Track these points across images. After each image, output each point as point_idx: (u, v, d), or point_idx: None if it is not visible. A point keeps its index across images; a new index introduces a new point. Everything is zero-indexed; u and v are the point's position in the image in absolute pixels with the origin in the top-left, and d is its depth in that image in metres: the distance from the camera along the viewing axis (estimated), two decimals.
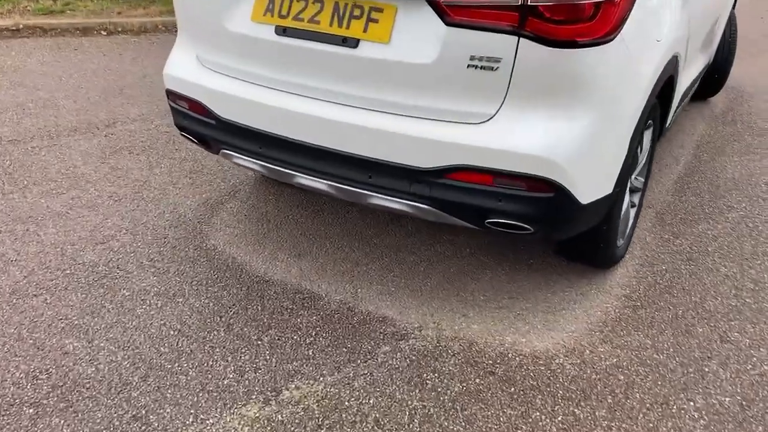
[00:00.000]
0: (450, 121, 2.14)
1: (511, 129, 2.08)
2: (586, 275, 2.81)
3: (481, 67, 2.02)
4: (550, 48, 1.96)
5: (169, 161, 3.86)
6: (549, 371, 2.28)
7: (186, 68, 2.66)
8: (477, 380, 2.24)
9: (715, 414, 2.10)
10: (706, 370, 2.29)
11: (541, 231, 2.22)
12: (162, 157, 3.90)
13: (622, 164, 2.34)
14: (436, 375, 2.26)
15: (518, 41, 1.96)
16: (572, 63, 1.99)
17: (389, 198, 2.31)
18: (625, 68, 2.16)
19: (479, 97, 2.08)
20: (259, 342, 2.41)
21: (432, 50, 2.05)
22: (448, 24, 2.00)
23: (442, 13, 2.00)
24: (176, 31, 2.79)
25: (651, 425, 2.06)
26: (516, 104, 2.06)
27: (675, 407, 2.12)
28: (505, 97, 2.06)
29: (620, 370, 2.29)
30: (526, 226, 2.19)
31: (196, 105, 2.64)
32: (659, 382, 2.23)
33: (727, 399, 2.17)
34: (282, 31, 2.29)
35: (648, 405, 2.13)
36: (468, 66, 2.03)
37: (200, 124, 2.67)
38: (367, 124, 2.22)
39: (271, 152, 2.48)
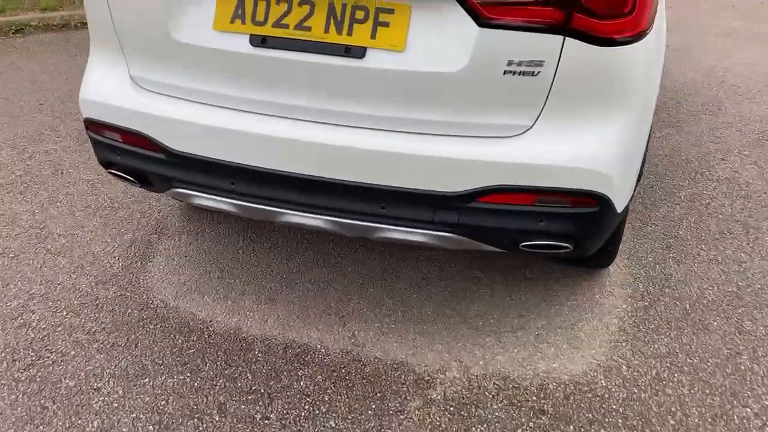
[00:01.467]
0: (481, 137, 1.84)
1: (553, 140, 1.82)
2: (584, 278, 2.66)
3: (521, 73, 1.73)
4: (596, 47, 1.72)
5: (65, 198, 3.20)
6: (598, 398, 2.09)
7: (116, 92, 2.12)
8: (530, 424, 1.99)
9: None
10: (742, 368, 2.21)
11: (579, 248, 2.00)
12: (54, 194, 3.23)
13: (641, 165, 2.18)
14: (485, 426, 1.98)
15: (564, 41, 1.70)
16: (615, 62, 1.77)
17: (407, 230, 1.97)
18: (651, 67, 1.98)
19: (515, 106, 1.80)
20: (267, 421, 1.99)
21: (460, 56, 1.73)
22: (482, 25, 1.69)
23: (474, 12, 1.68)
24: (56, 31, 2.21)
25: None
26: (556, 112, 1.81)
27: (736, 418, 2.02)
28: (544, 105, 1.80)
29: (664, 383, 2.15)
30: (565, 245, 1.96)
31: (134, 137, 2.11)
32: (707, 391, 2.12)
33: None
34: (260, 41, 1.85)
35: (710, 420, 2.01)
36: (505, 72, 1.73)
37: (141, 159, 2.15)
38: (379, 147, 1.86)
39: (248, 188, 2.04)
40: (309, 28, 1.81)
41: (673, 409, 2.05)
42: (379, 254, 2.77)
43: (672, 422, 2.00)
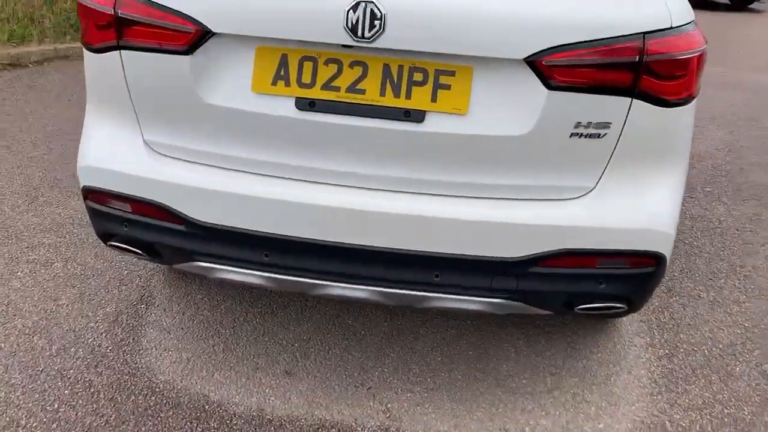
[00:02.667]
0: (543, 200, 1.77)
1: (614, 201, 1.78)
2: (600, 328, 2.64)
3: (587, 135, 1.69)
4: (659, 107, 1.70)
5: (27, 267, 2.88)
6: None
7: (126, 158, 1.91)
8: None
9: None
10: None
11: (632, 307, 1.95)
12: (13, 263, 2.90)
13: None
14: None
15: (631, 103, 1.66)
16: (673, 121, 1.76)
17: (461, 298, 1.87)
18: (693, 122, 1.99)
19: (579, 168, 1.75)
20: None
21: (527, 119, 1.66)
22: (551, 87, 1.63)
23: (544, 74, 1.62)
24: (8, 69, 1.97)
25: None
26: (617, 172, 1.77)
27: None
28: (606, 167, 1.76)
29: None
30: (621, 306, 1.91)
31: (148, 207, 1.91)
32: None
33: None
34: (308, 104, 1.71)
35: None
36: (571, 135, 1.68)
37: (154, 231, 1.94)
38: (436, 214, 1.76)
39: (284, 260, 1.87)
40: (363, 91, 1.69)
41: None
42: (389, 313, 2.64)
43: None
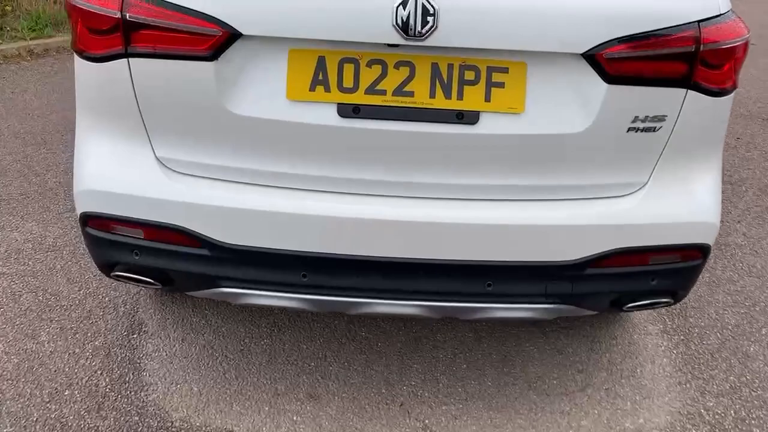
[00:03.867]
0: (596, 198, 1.70)
1: (667, 195, 1.74)
2: (614, 319, 2.62)
3: (643, 129, 1.63)
4: (710, 97, 1.66)
5: None
6: None
7: (137, 178, 1.71)
8: None
9: None
10: None
11: (677, 300, 1.93)
12: None
13: None
14: None
15: (686, 94, 1.62)
16: (720, 111, 1.73)
17: (513, 306, 1.78)
18: None
19: (633, 164, 1.69)
20: None
21: (585, 115, 1.59)
22: (610, 81, 1.55)
23: (603, 68, 1.54)
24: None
25: None
26: (668, 165, 1.73)
27: None
28: (658, 160, 1.70)
29: (745, 422, 2.14)
30: (668, 300, 1.88)
31: (165, 232, 1.71)
32: None
33: None
34: (352, 110, 1.57)
35: None
36: (628, 130, 1.62)
37: (172, 258, 1.75)
38: (490, 220, 1.66)
39: (326, 280, 1.73)
40: (411, 94, 1.56)
41: None
42: (403, 322, 2.52)
43: None
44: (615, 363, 2.39)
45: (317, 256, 1.68)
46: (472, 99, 1.57)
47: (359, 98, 1.57)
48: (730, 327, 2.60)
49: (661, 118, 1.63)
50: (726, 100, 1.70)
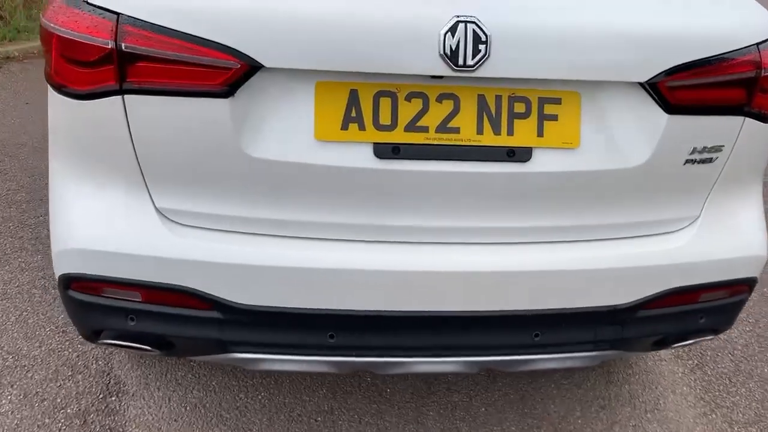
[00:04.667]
0: (648, 236, 1.57)
1: (719, 229, 1.63)
2: None
3: (700, 161, 1.51)
4: (764, 124, 1.55)
5: None
6: None
7: (133, 233, 1.46)
8: None
9: None
10: None
11: (719, 334, 1.82)
12: None
13: None
14: None
15: (743, 122, 1.50)
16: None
17: (560, 356, 1.62)
18: None
19: (686, 197, 1.57)
20: None
21: (643, 148, 1.45)
22: (671, 111, 1.42)
23: (665, 97, 1.40)
24: None
25: None
26: (718, 197, 1.62)
27: None
28: (710, 193, 1.59)
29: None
30: (711, 336, 1.77)
31: (168, 294, 1.47)
32: None
33: None
34: (390, 151, 1.37)
35: None
36: (686, 162, 1.49)
37: (175, 322, 1.51)
38: (542, 266, 1.51)
39: (357, 340, 1.53)
40: (456, 130, 1.38)
41: None
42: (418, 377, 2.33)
43: None
44: (636, 395, 2.28)
45: (348, 314, 1.47)
46: (523, 134, 1.40)
47: (399, 136, 1.37)
48: (739, 348, 2.54)
49: (718, 149, 1.51)
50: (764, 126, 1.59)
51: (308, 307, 1.47)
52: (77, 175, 1.49)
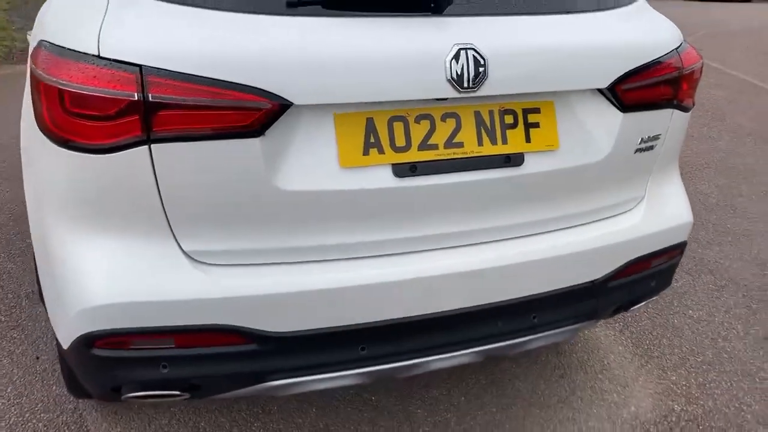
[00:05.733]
0: (611, 217, 1.85)
1: (659, 204, 1.95)
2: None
3: (645, 149, 1.81)
4: (684, 113, 1.90)
5: None
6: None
7: (161, 281, 1.48)
8: None
9: None
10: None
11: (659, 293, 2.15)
12: None
13: None
14: None
15: (672, 113, 1.83)
16: (686, 124, 1.96)
17: (552, 333, 1.86)
18: None
19: (635, 181, 1.87)
20: None
21: (605, 143, 1.72)
22: (625, 110, 1.70)
23: (621, 99, 1.68)
24: None
25: None
26: (655, 178, 1.94)
27: None
28: (650, 175, 1.90)
29: (705, 386, 2.45)
30: (654, 297, 2.10)
31: (203, 335, 1.51)
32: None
33: None
34: (408, 170, 1.52)
35: None
36: (636, 151, 1.79)
37: (208, 362, 1.55)
38: (536, 255, 1.72)
39: (384, 348, 1.65)
40: (461, 144, 1.56)
41: None
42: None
43: None
44: (584, 361, 2.57)
45: (379, 325, 1.59)
46: (515, 142, 1.60)
47: (414, 156, 1.52)
48: (650, 306, 2.93)
49: (657, 137, 1.81)
50: (689, 115, 1.93)
51: (342, 324, 1.56)
52: (88, 229, 1.47)
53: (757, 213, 4.02)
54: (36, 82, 1.44)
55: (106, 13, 1.40)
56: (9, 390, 2.31)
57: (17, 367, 2.43)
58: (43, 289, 1.68)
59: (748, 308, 2.97)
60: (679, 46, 1.80)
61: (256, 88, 1.36)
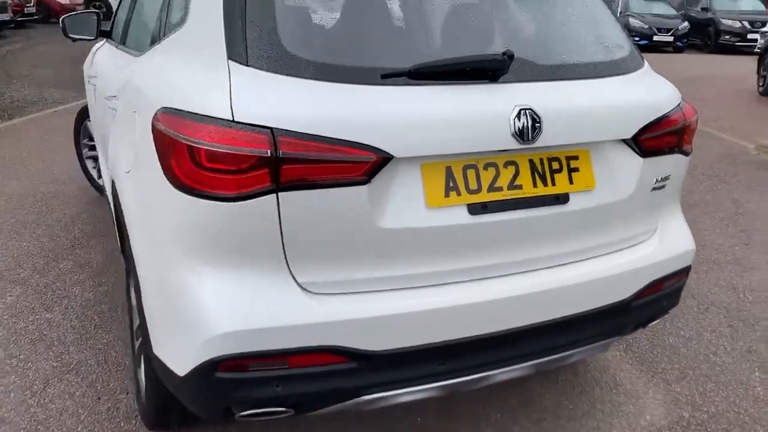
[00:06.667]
0: (634, 245, 2.19)
1: (669, 234, 2.30)
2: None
3: (659, 187, 2.17)
4: (685, 157, 2.27)
5: None
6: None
7: (280, 308, 1.73)
8: None
9: None
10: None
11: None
12: None
13: None
14: None
15: (677, 157, 2.20)
16: (686, 165, 2.33)
17: (591, 347, 2.17)
18: None
19: (651, 214, 2.22)
20: None
21: (630, 184, 2.07)
22: (644, 156, 2.06)
23: (641, 147, 2.05)
24: None
25: None
26: (665, 212, 2.29)
27: None
28: (662, 209, 2.26)
29: (707, 395, 2.78)
30: (666, 314, 2.43)
31: (314, 355, 1.77)
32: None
33: None
34: (480, 208, 1.83)
35: None
36: (652, 189, 2.14)
37: (317, 379, 1.80)
38: (580, 278, 2.04)
39: (459, 363, 1.92)
40: (520, 186, 1.88)
41: None
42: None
43: None
44: (599, 379, 2.88)
45: (456, 343, 1.86)
46: (561, 184, 1.93)
47: (484, 197, 1.83)
48: (647, 330, 3.27)
49: (667, 177, 2.17)
50: (689, 158, 2.30)
51: (425, 342, 1.83)
52: (213, 266, 1.71)
53: (721, 244, 4.46)
54: (167, 142, 1.70)
55: (230, 84, 1.67)
56: (79, 429, 2.46)
57: (81, 408, 2.58)
58: (152, 326, 1.89)
59: (730, 327, 3.35)
60: (680, 103, 2.18)
61: (365, 144, 1.65)
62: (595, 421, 2.60)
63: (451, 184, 1.79)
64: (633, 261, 2.14)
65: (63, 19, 3.81)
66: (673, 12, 19.61)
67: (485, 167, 1.83)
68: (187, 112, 1.70)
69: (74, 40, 3.84)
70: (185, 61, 1.93)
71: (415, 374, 1.86)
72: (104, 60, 3.36)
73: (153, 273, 1.86)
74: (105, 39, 3.84)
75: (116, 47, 3.28)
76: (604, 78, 2.04)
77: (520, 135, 1.79)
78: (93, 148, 4.89)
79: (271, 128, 1.61)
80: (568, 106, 1.90)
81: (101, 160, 3.58)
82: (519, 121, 1.79)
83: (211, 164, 1.63)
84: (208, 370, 1.71)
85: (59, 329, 3.15)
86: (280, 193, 1.63)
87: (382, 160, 1.68)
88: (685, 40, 18.68)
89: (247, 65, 1.70)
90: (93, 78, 3.41)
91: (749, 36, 17.83)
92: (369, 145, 1.66)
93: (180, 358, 1.78)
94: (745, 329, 3.33)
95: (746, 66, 13.21)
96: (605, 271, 2.06)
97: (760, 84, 10.83)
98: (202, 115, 1.66)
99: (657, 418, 2.63)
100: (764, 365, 3.01)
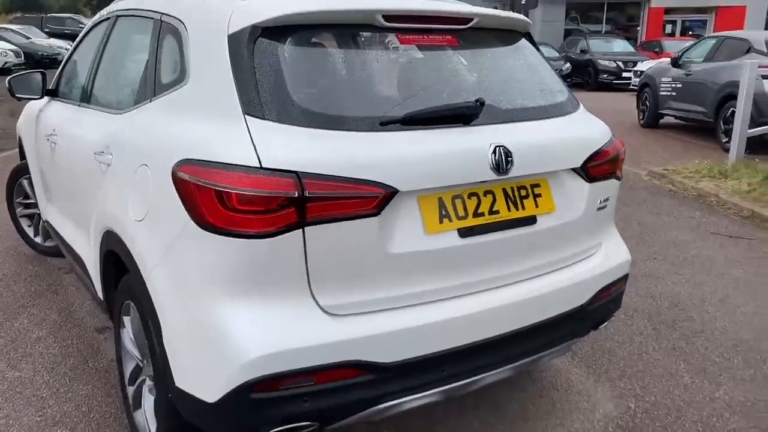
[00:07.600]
0: (586, 258, 2.58)
1: (611, 247, 2.71)
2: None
3: (602, 207, 2.58)
4: (618, 182, 2.71)
5: None
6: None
7: (306, 330, 1.96)
8: None
9: None
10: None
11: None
12: None
13: None
14: None
15: (614, 182, 2.63)
16: (617, 189, 2.78)
17: (558, 348, 2.51)
18: None
19: (597, 231, 2.62)
20: None
21: (581, 205, 2.46)
22: (590, 181, 2.47)
23: (588, 174, 2.45)
24: None
25: None
26: (606, 227, 2.71)
27: None
28: (604, 226, 2.67)
29: (648, 389, 3.20)
30: (612, 317, 2.84)
31: (338, 370, 2.00)
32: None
33: None
34: (468, 231, 2.15)
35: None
36: (597, 209, 2.55)
37: (340, 392, 2.03)
38: (547, 289, 2.38)
39: (457, 368, 2.21)
40: (498, 212, 2.22)
41: None
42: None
43: None
44: (554, 383, 3.23)
45: (455, 350, 2.14)
46: (529, 208, 2.28)
47: (470, 222, 2.14)
48: (586, 338, 3.68)
49: (607, 199, 2.58)
50: (620, 183, 2.73)
51: (431, 351, 2.09)
52: (242, 297, 1.91)
53: (634, 259, 5.01)
54: (192, 189, 1.90)
55: (251, 136, 1.91)
56: None
57: None
58: (175, 360, 2.03)
59: (654, 329, 3.82)
60: (611, 137, 2.62)
61: (375, 181, 1.93)
62: (557, 419, 2.93)
63: (444, 212, 2.09)
64: (586, 271, 2.51)
65: (9, 80, 3.87)
66: (556, 54, 21.31)
67: (469, 196, 2.15)
68: (212, 161, 1.91)
69: (19, 99, 3.91)
70: (195, 117, 2.14)
71: (423, 381, 2.12)
72: (64, 118, 3.45)
73: (179, 309, 2.03)
74: (50, 98, 3.91)
75: (77, 106, 3.37)
76: (554, 118, 2.43)
77: (497, 168, 2.13)
78: (28, 206, 4.85)
79: (296, 172, 1.86)
80: (530, 143, 2.26)
81: (62, 217, 3.61)
82: (495, 156, 2.13)
83: (242, 206, 1.85)
84: (243, 392, 1.89)
85: (33, 386, 3.15)
86: (306, 228, 1.87)
87: (389, 194, 1.96)
88: (569, 80, 20.31)
89: (263, 119, 1.94)
90: (52, 136, 3.47)
91: (624, 74, 19.66)
92: (378, 182, 1.93)
93: (211, 385, 1.95)
94: (666, 330, 3.81)
95: (625, 101, 14.55)
96: (566, 281, 2.42)
97: (641, 117, 12.03)
98: (229, 163, 1.88)
99: (609, 411, 2.99)
100: (687, 358, 3.48)
